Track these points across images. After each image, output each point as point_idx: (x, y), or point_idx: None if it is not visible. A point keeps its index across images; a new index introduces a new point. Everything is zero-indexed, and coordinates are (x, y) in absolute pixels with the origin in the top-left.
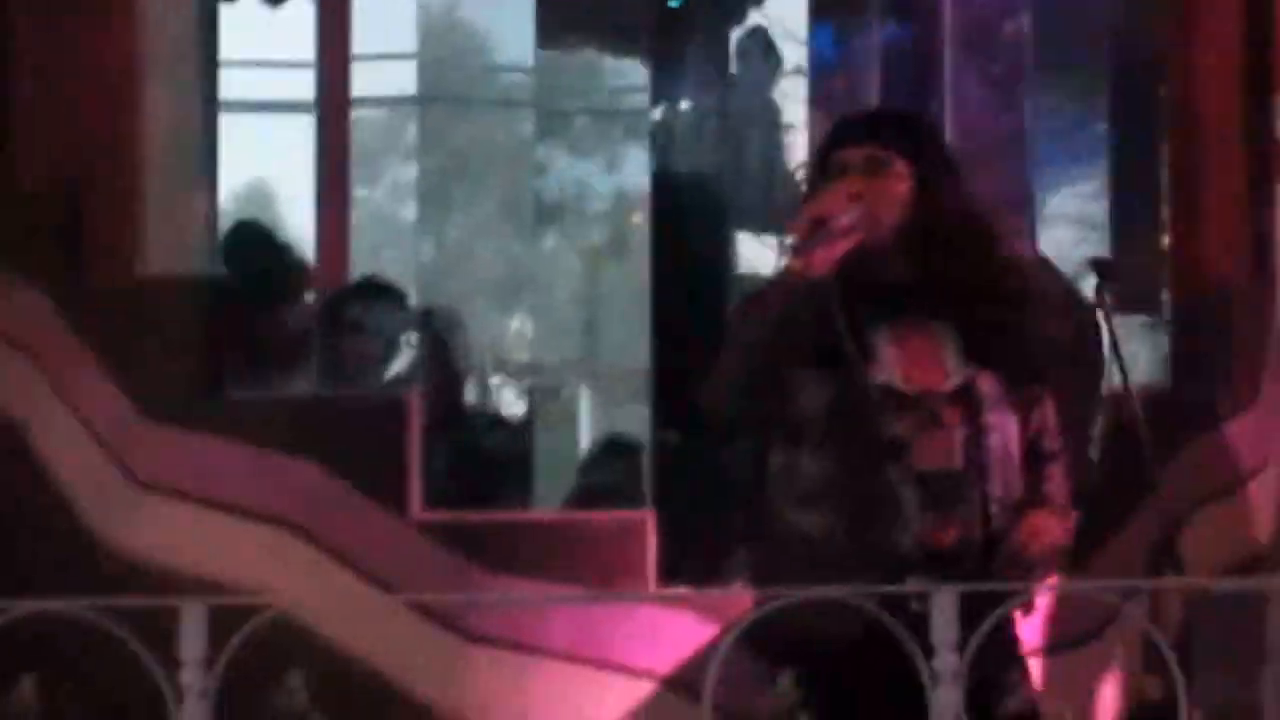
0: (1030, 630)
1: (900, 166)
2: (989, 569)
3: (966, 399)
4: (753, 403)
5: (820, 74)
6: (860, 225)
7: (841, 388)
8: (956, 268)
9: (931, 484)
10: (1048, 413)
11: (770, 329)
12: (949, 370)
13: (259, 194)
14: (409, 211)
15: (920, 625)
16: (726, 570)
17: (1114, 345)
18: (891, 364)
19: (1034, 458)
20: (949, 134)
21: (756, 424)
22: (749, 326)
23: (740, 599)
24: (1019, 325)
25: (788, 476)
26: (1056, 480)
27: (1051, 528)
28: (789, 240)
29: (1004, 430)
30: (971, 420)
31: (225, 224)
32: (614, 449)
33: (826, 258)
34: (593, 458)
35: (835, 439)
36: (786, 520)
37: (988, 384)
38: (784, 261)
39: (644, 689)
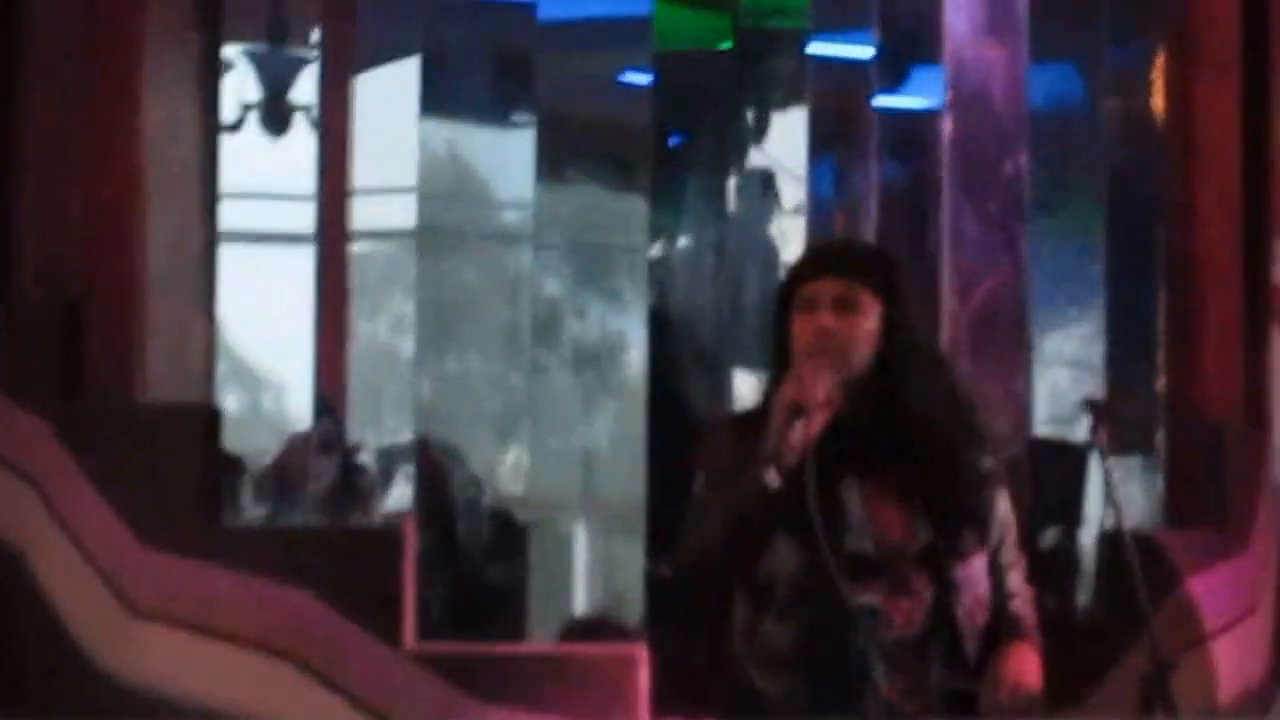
0: None
1: (869, 303)
2: None
3: (935, 558)
4: (726, 571)
5: (819, 212)
6: (835, 393)
7: (810, 554)
8: (921, 410)
9: (901, 650)
10: (1009, 534)
11: (752, 525)
12: (916, 528)
13: (259, 324)
14: (407, 345)
15: None
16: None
17: (1109, 486)
18: (860, 528)
19: (996, 573)
20: (946, 272)
21: (722, 583)
22: (731, 509)
23: None
24: (977, 463)
25: (752, 636)
26: (1021, 595)
27: (1031, 664)
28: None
29: (972, 583)
30: (940, 580)
31: (224, 353)
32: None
33: (805, 439)
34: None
35: (803, 605)
36: (751, 680)
37: (955, 536)
38: (761, 463)
39: None
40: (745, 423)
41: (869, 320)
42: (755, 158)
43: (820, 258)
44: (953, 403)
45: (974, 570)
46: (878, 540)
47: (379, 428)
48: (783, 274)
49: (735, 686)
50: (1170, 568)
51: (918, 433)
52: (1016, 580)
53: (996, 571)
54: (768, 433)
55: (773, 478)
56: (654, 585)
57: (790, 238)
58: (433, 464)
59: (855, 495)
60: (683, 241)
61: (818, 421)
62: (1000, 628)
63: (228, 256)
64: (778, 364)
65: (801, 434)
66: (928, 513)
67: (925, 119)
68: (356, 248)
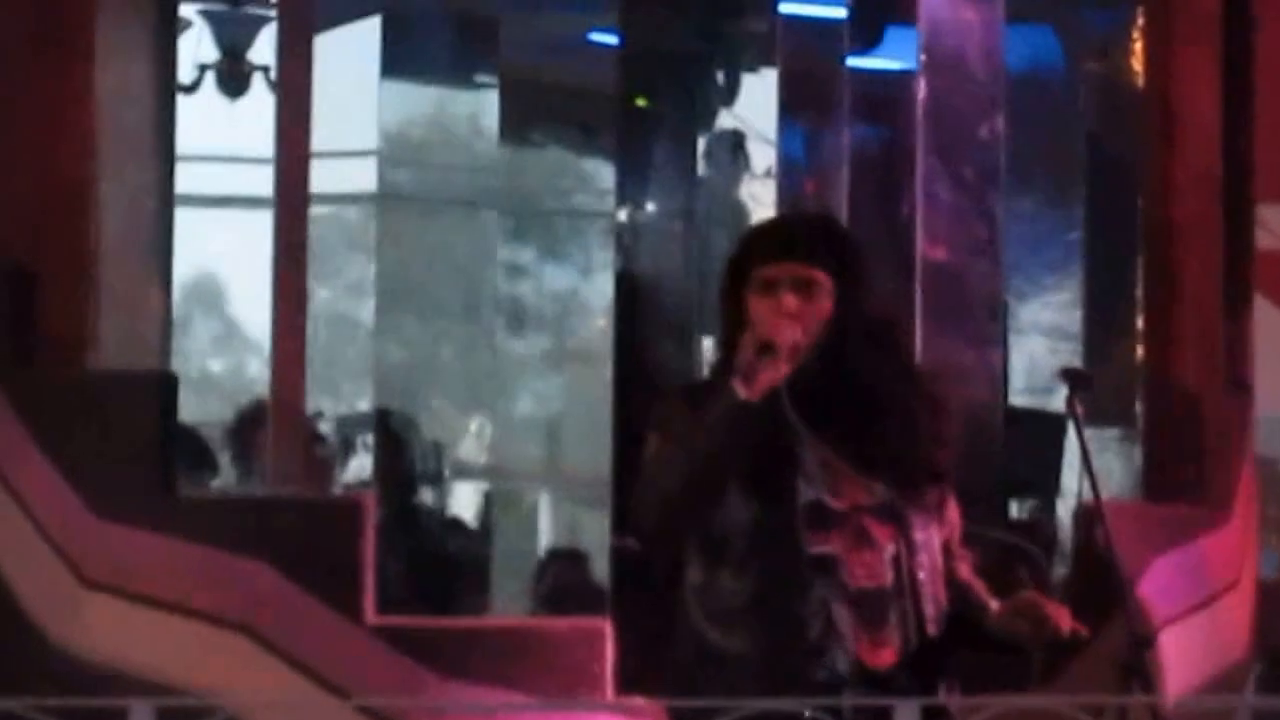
0: None
1: (825, 283)
2: (924, 687)
3: (893, 514)
4: (689, 520)
5: (789, 176)
6: (798, 349)
7: (770, 503)
8: (873, 381)
9: (864, 603)
10: (954, 516)
11: (718, 449)
12: (873, 485)
13: (214, 291)
14: (367, 311)
15: None
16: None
17: (1085, 457)
18: (818, 479)
19: (948, 559)
20: (920, 240)
21: (682, 539)
22: (694, 445)
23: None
24: (927, 434)
25: (708, 594)
26: (980, 582)
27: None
28: (732, 358)
29: (930, 545)
30: (900, 536)
31: (180, 319)
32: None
33: (772, 380)
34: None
35: (762, 556)
36: (708, 640)
37: (910, 497)
38: (730, 381)
39: None
40: (698, 391)
41: (825, 300)
42: (724, 120)
43: (777, 238)
44: (907, 374)
45: (932, 537)
46: (835, 492)
47: (338, 395)
48: None
49: (691, 647)
50: (1149, 542)
51: (870, 400)
52: (967, 570)
53: (948, 558)
54: (736, 364)
55: (742, 389)
56: (620, 558)
57: (761, 202)
58: (393, 433)
59: (812, 450)
60: (650, 206)
61: (785, 369)
62: (972, 601)
63: (184, 221)
64: (729, 343)
65: (770, 376)
66: (884, 475)
67: (899, 81)
68: (315, 211)
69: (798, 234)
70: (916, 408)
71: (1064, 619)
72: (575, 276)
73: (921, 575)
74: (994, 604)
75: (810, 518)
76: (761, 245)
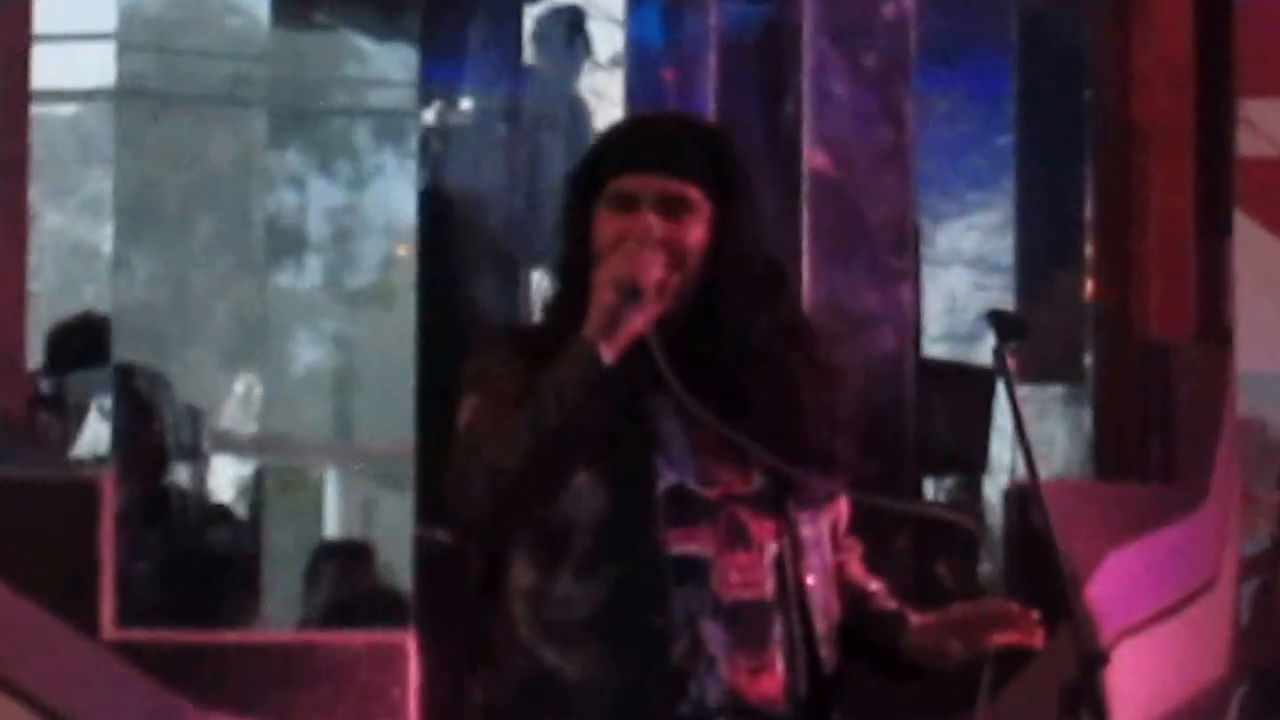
0: None
1: (700, 204)
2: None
3: (775, 505)
4: (530, 507)
5: (642, 66)
6: (669, 284)
7: (622, 488)
8: (758, 339)
9: (740, 617)
10: (843, 504)
11: (571, 419)
12: (750, 470)
13: None
14: (104, 238)
15: None
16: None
17: (1018, 423)
18: (682, 459)
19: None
20: (811, 144)
21: (511, 533)
22: (540, 412)
23: None
24: (822, 411)
25: (541, 602)
26: (877, 581)
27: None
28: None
29: (821, 544)
30: (784, 533)
31: None
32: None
33: (637, 331)
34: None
35: (612, 556)
36: (540, 660)
37: (796, 479)
38: (585, 331)
39: None
40: (527, 338)
41: (698, 227)
42: None
43: (642, 142)
44: (800, 333)
45: (823, 535)
46: (703, 476)
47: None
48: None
49: (516, 669)
50: (1102, 531)
51: (754, 364)
52: (858, 565)
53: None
54: (592, 313)
55: (606, 353)
56: (426, 553)
57: (605, 98)
58: (137, 395)
59: (677, 421)
60: (464, 103)
61: (651, 314)
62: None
63: None
64: (570, 274)
65: (636, 324)
66: (772, 458)
67: None
68: (38, 112)
69: (669, 138)
70: (811, 377)
71: (1028, 632)
72: (368, 194)
73: (811, 582)
74: (912, 616)
75: (672, 508)
76: (621, 150)
